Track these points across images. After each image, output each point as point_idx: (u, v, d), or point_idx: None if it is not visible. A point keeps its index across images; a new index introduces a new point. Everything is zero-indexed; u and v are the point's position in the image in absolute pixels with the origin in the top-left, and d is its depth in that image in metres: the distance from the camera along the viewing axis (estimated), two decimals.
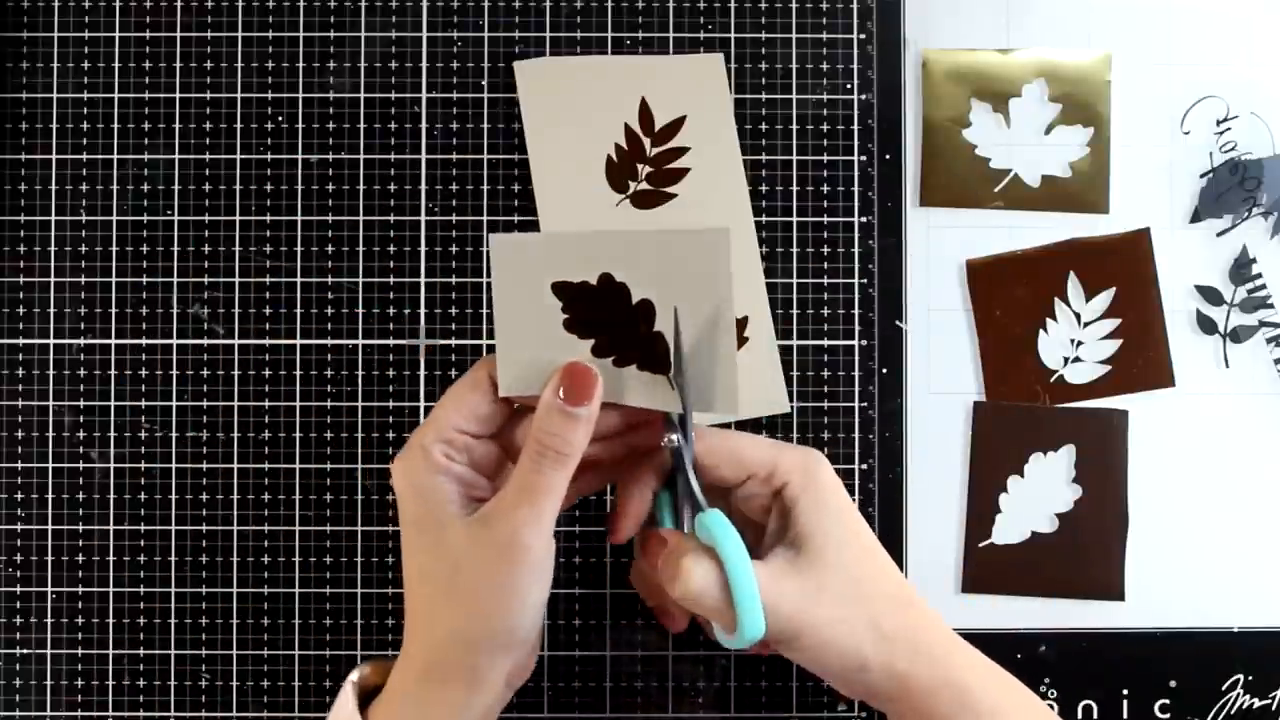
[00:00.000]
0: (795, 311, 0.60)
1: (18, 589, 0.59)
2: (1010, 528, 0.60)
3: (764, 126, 0.60)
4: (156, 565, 0.59)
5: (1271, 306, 0.60)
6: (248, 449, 0.59)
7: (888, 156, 0.61)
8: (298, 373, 0.60)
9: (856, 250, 0.60)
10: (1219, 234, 0.60)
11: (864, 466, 0.60)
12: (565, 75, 0.60)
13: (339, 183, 0.60)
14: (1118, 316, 0.60)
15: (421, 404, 0.60)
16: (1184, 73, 0.61)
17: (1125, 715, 0.59)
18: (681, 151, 0.60)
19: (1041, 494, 0.60)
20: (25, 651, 0.59)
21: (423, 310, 0.60)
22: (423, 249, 0.60)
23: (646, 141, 0.60)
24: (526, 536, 0.44)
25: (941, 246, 0.60)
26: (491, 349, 0.59)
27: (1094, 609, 0.60)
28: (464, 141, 0.60)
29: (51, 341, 0.60)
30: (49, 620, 0.59)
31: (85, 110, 0.60)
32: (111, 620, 0.59)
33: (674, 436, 0.46)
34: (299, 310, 0.60)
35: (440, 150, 0.60)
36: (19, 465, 0.59)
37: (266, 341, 0.60)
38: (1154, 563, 0.60)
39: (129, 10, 0.60)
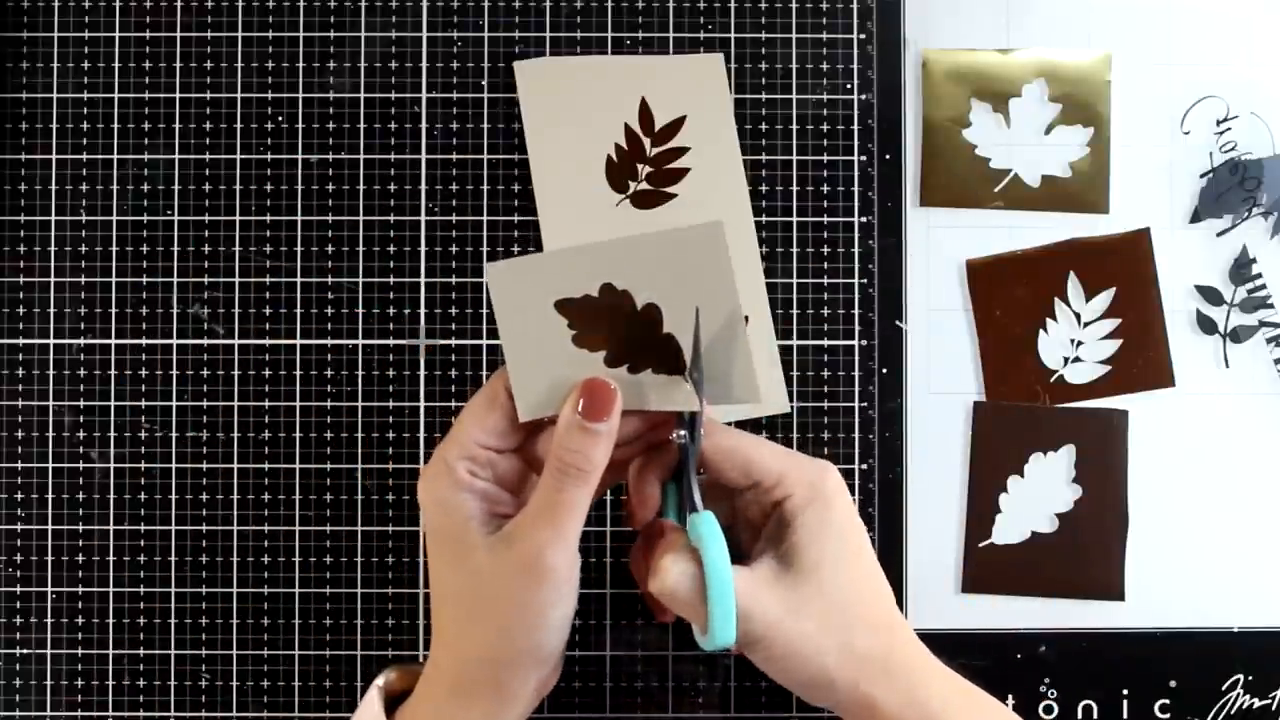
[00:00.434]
0: (795, 311, 0.60)
1: (18, 589, 0.59)
2: (1010, 528, 0.60)
3: (764, 126, 0.60)
4: (156, 565, 0.59)
5: (1271, 306, 0.60)
6: (248, 449, 0.59)
7: (888, 156, 0.61)
8: (298, 373, 0.60)
9: (856, 250, 0.60)
10: (1219, 234, 0.60)
11: (864, 466, 0.60)
12: (565, 75, 0.60)
13: (339, 183, 0.60)
14: (1118, 316, 0.60)
15: (421, 404, 0.60)
16: (1184, 73, 0.61)
17: (1125, 715, 0.59)
18: (681, 151, 0.60)
19: (1041, 494, 0.60)
20: (25, 651, 0.59)
21: (423, 310, 0.60)
22: (423, 249, 0.60)
23: (646, 141, 0.60)
24: (550, 556, 0.44)
25: (941, 246, 0.60)
26: (493, 349, 0.59)
27: (1094, 609, 0.60)
28: (464, 141, 0.60)
29: (51, 341, 0.60)
30: (49, 620, 0.59)
31: (85, 110, 0.60)
32: (111, 620, 0.59)
33: (682, 433, 0.46)
34: (299, 310, 0.60)
35: (440, 150, 0.60)
36: (19, 465, 0.59)
37: (266, 341, 0.60)
38: (1154, 563, 0.60)
39: (129, 10, 0.60)
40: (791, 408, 0.60)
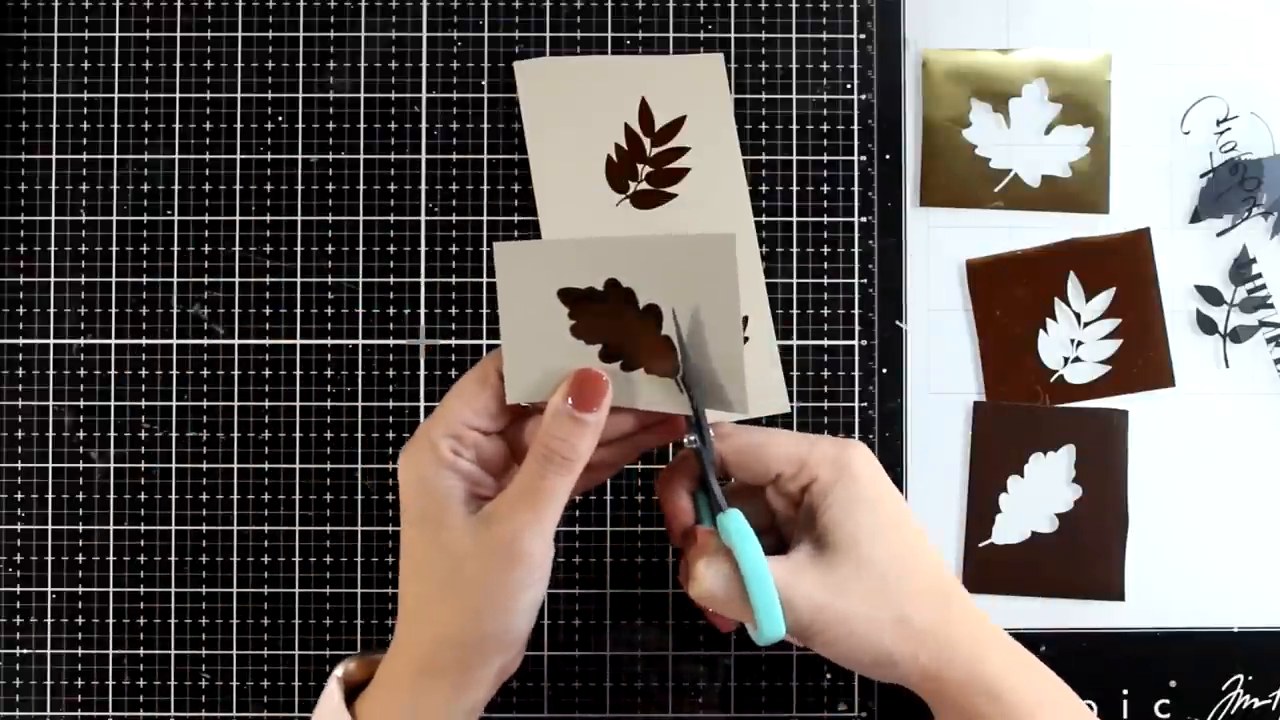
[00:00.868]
0: (795, 311, 0.60)
1: (18, 589, 0.59)
2: (1010, 528, 0.60)
3: (764, 126, 0.60)
4: (156, 565, 0.59)
5: (1271, 306, 0.60)
6: (248, 449, 0.59)
7: (888, 156, 0.61)
8: (298, 373, 0.60)
9: (856, 250, 0.60)
10: (1219, 234, 0.60)
11: None
12: (565, 75, 0.60)
13: (339, 183, 0.60)
14: (1118, 316, 0.60)
15: (421, 404, 0.60)
16: (1184, 73, 0.61)
17: (1125, 715, 0.59)
18: (681, 151, 0.60)
19: (1041, 494, 0.60)
20: (25, 651, 0.59)
21: (423, 310, 0.60)
22: (423, 249, 0.60)
23: (646, 141, 0.60)
24: (526, 540, 0.44)
25: (941, 246, 0.60)
26: (492, 348, 0.59)
27: (1094, 609, 0.60)
28: (464, 141, 0.60)
29: (51, 341, 0.60)
30: (49, 620, 0.59)
31: (85, 110, 0.60)
32: (111, 620, 0.59)
33: (692, 438, 0.46)
34: (299, 310, 0.60)
35: (440, 150, 0.60)
36: (19, 465, 0.59)
37: (266, 341, 0.60)
38: (1154, 563, 0.60)
39: (129, 10, 0.60)
40: (791, 408, 0.60)
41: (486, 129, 0.60)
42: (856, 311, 0.60)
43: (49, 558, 0.59)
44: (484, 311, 0.60)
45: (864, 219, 0.60)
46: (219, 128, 0.60)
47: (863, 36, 0.61)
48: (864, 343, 0.60)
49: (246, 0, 0.60)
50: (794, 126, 0.60)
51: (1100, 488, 0.60)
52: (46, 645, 0.59)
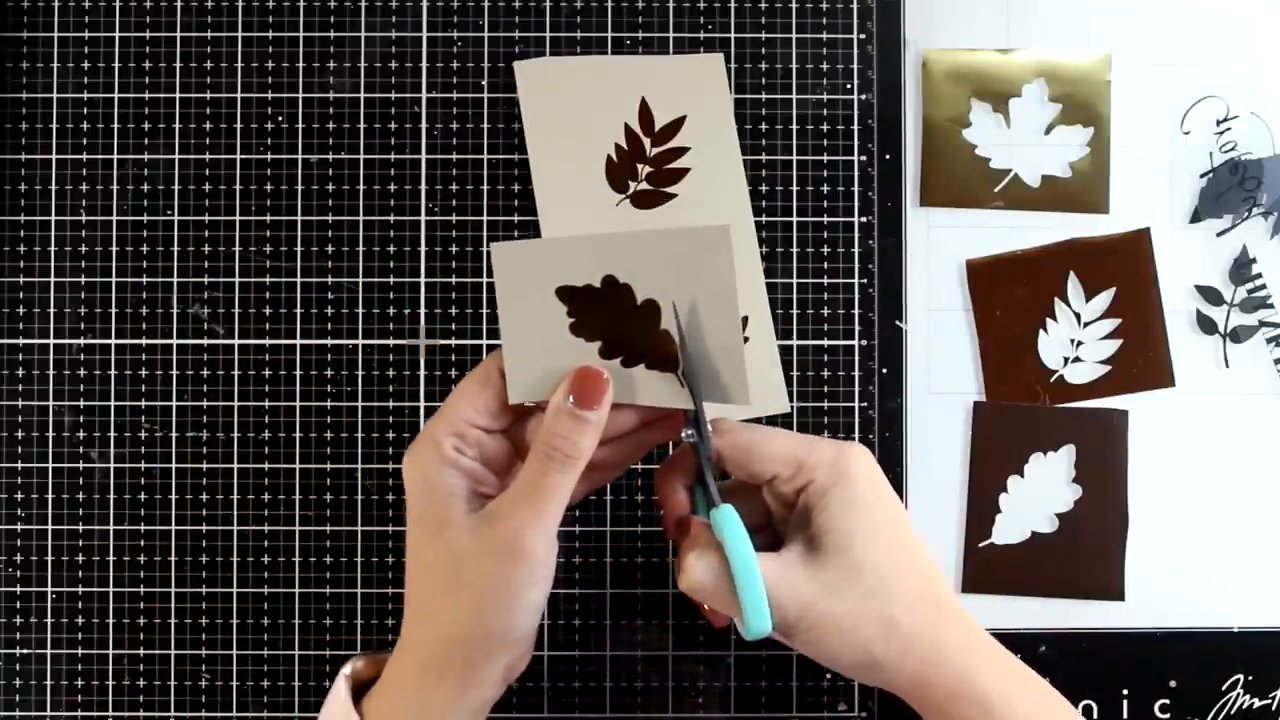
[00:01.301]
0: (795, 311, 0.60)
1: (18, 589, 0.59)
2: (1010, 528, 0.60)
3: (764, 126, 0.60)
4: (156, 565, 0.59)
5: (1271, 306, 0.60)
6: (248, 449, 0.59)
7: (888, 156, 0.61)
8: (298, 373, 0.60)
9: (856, 250, 0.60)
10: (1219, 234, 0.60)
11: None
12: (565, 75, 0.60)
13: (339, 183, 0.60)
14: (1118, 316, 0.60)
15: (421, 404, 0.60)
16: (1184, 73, 0.61)
17: (1125, 715, 0.59)
18: (681, 151, 0.60)
19: (1041, 494, 0.60)
20: (25, 651, 0.59)
21: (423, 310, 0.60)
22: (423, 249, 0.60)
23: (646, 141, 0.60)
24: (528, 538, 0.44)
25: (941, 246, 0.60)
26: (493, 348, 0.59)
27: (1094, 609, 0.60)
28: (464, 141, 0.60)
29: (51, 341, 0.60)
30: (49, 620, 0.59)
31: (85, 110, 0.60)
32: (111, 620, 0.59)
33: (690, 432, 0.46)
34: (299, 310, 0.60)
35: (440, 150, 0.60)
36: (19, 465, 0.59)
37: (266, 341, 0.60)
38: (1154, 563, 0.60)
39: (129, 10, 0.60)
40: (791, 408, 0.60)
41: (486, 129, 0.60)
42: (856, 311, 0.60)
43: (49, 558, 0.59)
44: (484, 311, 0.60)
45: (864, 219, 0.60)
46: (219, 128, 0.60)
47: (863, 36, 0.61)
48: (864, 343, 0.60)
49: (246, 0, 0.60)
50: (794, 126, 0.60)
51: (1100, 488, 0.60)
52: (46, 645, 0.59)
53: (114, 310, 0.60)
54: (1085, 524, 0.59)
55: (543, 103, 0.60)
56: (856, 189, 0.60)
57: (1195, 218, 0.61)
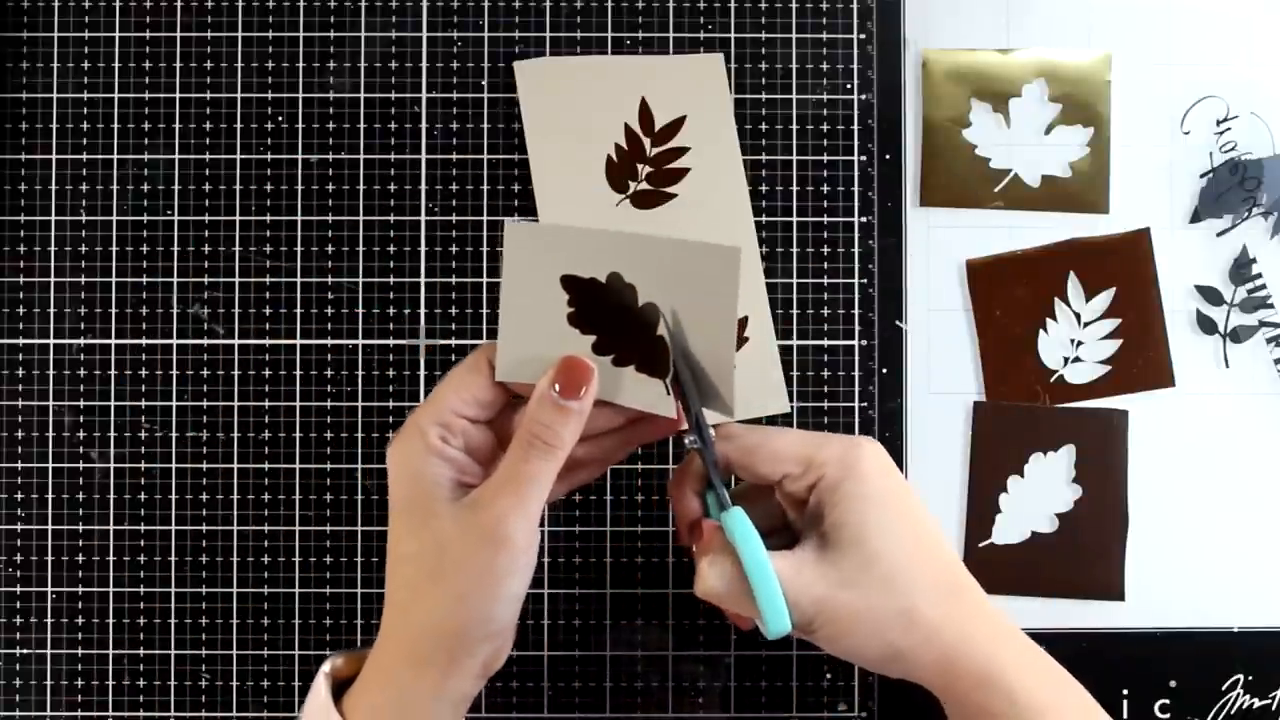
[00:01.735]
0: (795, 311, 0.60)
1: (18, 589, 0.59)
2: (1010, 528, 0.60)
3: (764, 126, 0.60)
4: (156, 565, 0.59)
5: (1271, 306, 0.60)
6: (248, 449, 0.59)
7: (888, 156, 0.61)
8: (298, 373, 0.60)
9: (856, 250, 0.60)
10: (1219, 234, 0.60)
11: None
12: (565, 75, 0.60)
13: (339, 183, 0.60)
14: (1118, 316, 0.60)
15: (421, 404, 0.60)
16: (1184, 73, 0.61)
17: (1125, 715, 0.59)
18: (681, 151, 0.60)
19: (1041, 494, 0.60)
20: (25, 651, 0.59)
21: (423, 310, 0.60)
22: (423, 249, 0.60)
23: (646, 141, 0.60)
24: (510, 525, 0.44)
25: (941, 246, 0.60)
26: (492, 337, 0.59)
27: (1094, 609, 0.60)
28: (464, 141, 0.60)
29: (51, 341, 0.60)
30: (49, 620, 0.59)
31: (85, 110, 0.60)
32: (111, 620, 0.59)
33: (692, 438, 0.46)
34: (299, 310, 0.60)
35: (440, 150, 0.60)
36: (19, 465, 0.59)
37: (266, 341, 0.60)
38: (1154, 563, 0.60)
39: (129, 10, 0.60)
40: (791, 408, 0.60)
41: (486, 129, 0.60)
42: (856, 311, 0.60)
43: (49, 558, 0.59)
44: (484, 311, 0.60)
45: (864, 219, 0.60)
46: (219, 128, 0.60)
47: (863, 36, 0.61)
48: (864, 343, 0.60)
49: (246, 0, 0.60)
50: (794, 126, 0.60)
51: (1100, 488, 0.60)
52: (46, 645, 0.59)
53: (114, 310, 0.60)
54: (1085, 524, 0.59)
55: (543, 103, 0.60)
56: (856, 189, 0.60)
57: (1195, 218, 0.61)
